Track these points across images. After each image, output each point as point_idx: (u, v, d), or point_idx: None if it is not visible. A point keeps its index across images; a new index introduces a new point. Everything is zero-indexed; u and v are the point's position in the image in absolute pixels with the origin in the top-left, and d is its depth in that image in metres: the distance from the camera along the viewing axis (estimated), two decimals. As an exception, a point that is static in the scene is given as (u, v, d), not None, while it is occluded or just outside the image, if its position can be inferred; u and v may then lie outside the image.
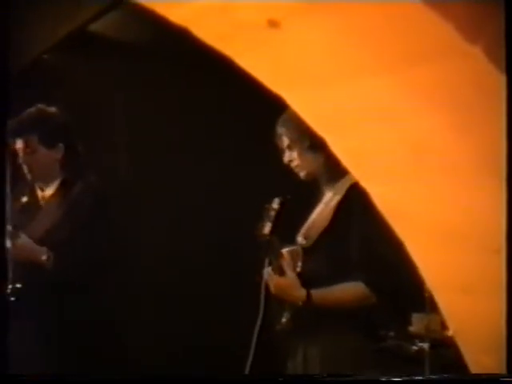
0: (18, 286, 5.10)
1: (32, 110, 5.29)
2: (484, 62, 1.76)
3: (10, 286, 5.13)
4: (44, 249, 5.01)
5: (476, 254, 2.02)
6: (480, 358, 2.31)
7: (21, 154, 5.19)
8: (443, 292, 2.28)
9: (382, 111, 2.00)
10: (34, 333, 5.23)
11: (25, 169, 5.22)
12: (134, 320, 6.00)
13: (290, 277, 4.18)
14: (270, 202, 4.14)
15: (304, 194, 4.46)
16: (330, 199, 4.38)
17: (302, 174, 4.44)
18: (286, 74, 2.11)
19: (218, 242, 6.30)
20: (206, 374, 6.33)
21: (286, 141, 4.44)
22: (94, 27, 5.88)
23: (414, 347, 4.12)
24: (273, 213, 4.09)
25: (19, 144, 5.14)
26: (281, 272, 4.17)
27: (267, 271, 4.21)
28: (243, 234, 4.36)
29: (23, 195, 5.48)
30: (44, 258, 4.99)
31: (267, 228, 4.08)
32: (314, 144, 4.27)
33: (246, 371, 4.24)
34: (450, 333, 3.78)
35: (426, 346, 3.97)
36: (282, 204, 4.10)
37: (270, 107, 3.93)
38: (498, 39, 1.79)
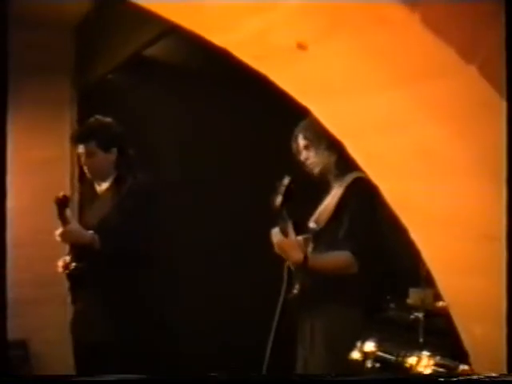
0: (77, 264, 5.13)
1: (91, 120, 5.39)
2: (479, 79, 1.73)
3: (72, 265, 5.17)
4: (91, 233, 5.07)
5: (473, 240, 2.00)
6: (472, 326, 2.27)
7: (82, 157, 5.29)
8: (442, 273, 2.25)
9: (393, 120, 1.99)
10: (90, 302, 5.28)
11: (85, 169, 5.33)
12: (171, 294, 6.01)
13: (292, 239, 4.18)
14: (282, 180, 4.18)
15: (315, 188, 4.52)
16: (336, 190, 4.43)
17: (315, 171, 4.52)
18: (311, 88, 2.09)
19: (244, 230, 6.29)
20: (232, 336, 6.35)
21: (303, 142, 4.49)
22: (149, 52, 5.90)
23: (411, 316, 4.08)
24: (283, 188, 4.13)
25: (81, 149, 5.24)
26: (285, 234, 4.16)
27: (275, 231, 4.25)
28: (264, 220, 4.37)
29: (85, 190, 5.58)
30: (89, 240, 5.07)
31: (279, 200, 4.12)
32: (328, 146, 4.33)
33: (272, 336, 4.23)
34: (442, 304, 3.74)
35: (421, 315, 3.93)
36: (290, 181, 4.14)
37: (298, 117, 3.91)
38: (491, 60, 1.75)
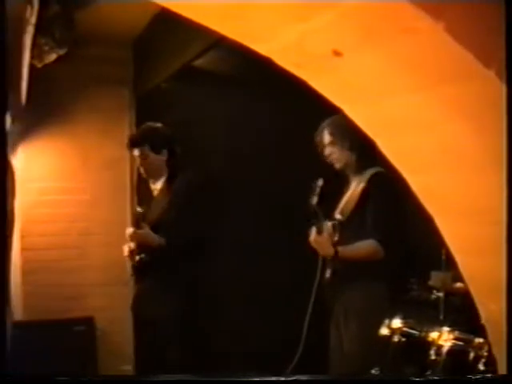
0: (142, 256, 5.17)
1: (143, 126, 5.45)
2: (496, 82, 1.70)
3: (137, 257, 5.21)
4: (157, 237, 5.12)
5: (488, 225, 1.99)
6: (487, 303, 2.25)
7: (138, 159, 5.34)
8: (462, 255, 2.23)
9: (419, 120, 1.98)
10: (150, 285, 5.31)
11: (141, 170, 5.39)
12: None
13: (325, 236, 4.26)
14: (316, 181, 4.22)
15: (338, 182, 4.56)
16: (357, 185, 4.44)
17: (337, 166, 4.53)
18: (346, 91, 2.07)
19: (284, 223, 6.29)
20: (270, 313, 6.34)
21: (328, 138, 4.50)
22: (199, 62, 5.92)
23: (433, 296, 4.06)
24: (318, 189, 4.18)
25: (136, 152, 5.31)
26: (319, 232, 4.24)
27: (313, 229, 4.32)
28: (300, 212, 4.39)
29: (142, 189, 5.62)
30: (156, 243, 5.12)
31: (314, 200, 4.19)
32: (351, 146, 4.34)
33: (308, 316, 4.24)
34: (460, 285, 3.72)
35: (441, 295, 3.90)
36: (324, 182, 4.18)
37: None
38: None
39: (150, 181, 5.46)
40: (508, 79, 1.71)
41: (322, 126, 4.54)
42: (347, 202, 4.49)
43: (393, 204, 4.27)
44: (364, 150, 4.18)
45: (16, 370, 3.45)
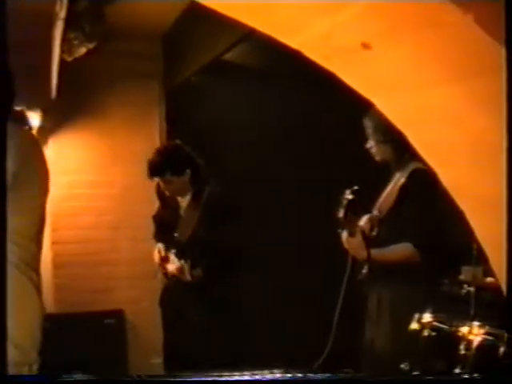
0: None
1: (161, 149, 5.36)
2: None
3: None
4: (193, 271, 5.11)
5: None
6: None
7: (161, 185, 5.26)
8: (493, 250, 2.22)
9: (447, 112, 1.97)
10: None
11: (166, 193, 5.30)
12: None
13: (358, 239, 4.23)
14: (344, 194, 4.20)
15: (379, 176, 4.51)
16: (397, 180, 4.41)
17: (377, 159, 4.50)
18: (375, 84, 2.07)
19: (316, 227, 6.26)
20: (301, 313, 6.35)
21: (368, 131, 4.49)
22: (228, 56, 5.90)
23: (463, 290, 4.05)
24: (345, 201, 4.16)
25: (158, 179, 5.30)
26: (352, 235, 4.23)
27: (344, 233, 4.23)
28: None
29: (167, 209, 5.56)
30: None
31: (341, 213, 4.17)
32: (385, 138, 4.32)
33: (338, 311, 4.25)
34: (490, 280, 3.71)
35: (472, 289, 3.89)
36: (353, 193, 4.16)
37: (363, 111, 3.89)
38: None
39: (176, 199, 5.41)
40: (508, 79, 1.71)
41: (363, 121, 4.53)
42: (386, 198, 4.47)
43: (431, 204, 4.24)
44: (403, 143, 4.13)
45: (47, 362, 3.50)
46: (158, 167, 5.18)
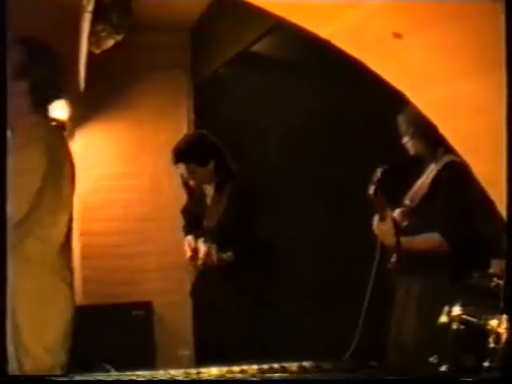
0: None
1: (187, 138, 5.36)
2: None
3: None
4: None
5: None
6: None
7: (185, 175, 5.25)
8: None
9: (476, 104, 1.95)
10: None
11: (190, 182, 5.29)
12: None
13: (388, 225, 4.25)
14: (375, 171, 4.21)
15: (412, 168, 4.50)
16: (430, 172, 4.40)
17: (411, 152, 4.50)
18: (407, 74, 2.05)
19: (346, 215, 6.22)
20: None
21: (401, 127, 4.50)
22: (256, 47, 5.87)
23: (493, 283, 4.02)
24: (375, 178, 4.17)
25: (182, 169, 5.23)
26: (383, 219, 4.27)
27: (376, 218, 4.28)
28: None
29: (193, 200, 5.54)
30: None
31: (371, 189, 4.16)
32: (416, 133, 4.32)
33: (365, 303, 4.23)
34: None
35: (501, 282, 3.87)
36: (382, 172, 4.16)
37: (394, 102, 3.86)
38: None
39: (200, 189, 5.40)
40: (508, 79, 1.69)
41: (398, 117, 4.53)
42: (418, 190, 4.47)
43: (462, 196, 4.23)
44: (438, 137, 4.11)
45: (76, 354, 3.52)
46: (182, 153, 5.21)
